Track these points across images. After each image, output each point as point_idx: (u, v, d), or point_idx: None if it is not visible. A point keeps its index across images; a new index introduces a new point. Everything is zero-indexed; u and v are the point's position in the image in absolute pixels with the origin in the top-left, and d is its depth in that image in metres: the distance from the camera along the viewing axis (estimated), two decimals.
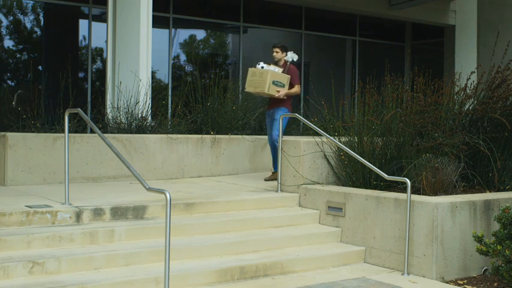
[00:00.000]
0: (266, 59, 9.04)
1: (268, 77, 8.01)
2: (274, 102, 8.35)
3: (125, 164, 5.38)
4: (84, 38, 11.81)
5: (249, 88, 8.22)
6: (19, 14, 11.32)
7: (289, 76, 8.20)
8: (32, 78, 11.31)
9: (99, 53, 11.96)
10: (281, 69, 8.26)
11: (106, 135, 7.85)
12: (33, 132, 7.75)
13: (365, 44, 15.79)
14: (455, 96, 7.44)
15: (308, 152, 7.23)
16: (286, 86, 8.18)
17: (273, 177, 8.25)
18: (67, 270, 5.01)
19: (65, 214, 5.68)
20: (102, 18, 11.76)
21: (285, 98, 8.28)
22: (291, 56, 8.40)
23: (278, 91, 8.09)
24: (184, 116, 9.28)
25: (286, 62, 8.40)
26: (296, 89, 8.34)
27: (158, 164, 8.45)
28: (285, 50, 8.45)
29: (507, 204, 5.73)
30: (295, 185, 7.26)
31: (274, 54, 8.43)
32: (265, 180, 8.37)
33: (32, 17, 11.45)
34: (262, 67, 8.18)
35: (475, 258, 6.09)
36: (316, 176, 7.31)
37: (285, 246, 6.24)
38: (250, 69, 8.22)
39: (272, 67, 8.24)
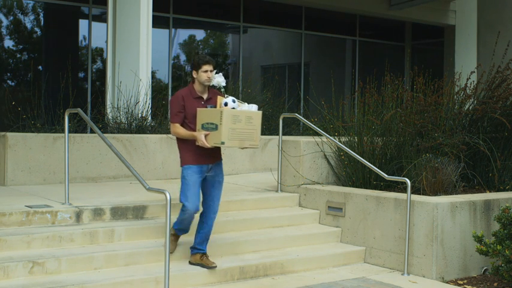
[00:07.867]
0: (266, 59, 8.94)
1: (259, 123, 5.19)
2: (218, 153, 5.39)
3: (125, 164, 5.38)
4: (84, 38, 11.81)
5: (231, 142, 5.04)
6: (19, 14, 11.32)
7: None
8: (32, 78, 11.30)
9: (99, 53, 11.96)
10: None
11: (106, 135, 7.85)
12: (33, 132, 7.75)
13: (365, 44, 15.78)
14: (455, 96, 7.44)
15: (308, 152, 7.23)
16: None
17: (200, 262, 5.40)
18: (67, 270, 5.01)
19: (65, 214, 5.69)
20: (102, 18, 11.75)
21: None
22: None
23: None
24: None
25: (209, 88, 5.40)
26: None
27: (158, 164, 8.44)
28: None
29: (507, 204, 5.73)
30: (295, 185, 7.25)
31: (209, 75, 5.21)
32: (190, 263, 5.47)
33: (32, 17, 11.45)
34: (234, 106, 5.14)
35: (475, 258, 6.09)
36: (316, 176, 7.31)
37: (285, 246, 6.25)
38: (227, 110, 4.99)
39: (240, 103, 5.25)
